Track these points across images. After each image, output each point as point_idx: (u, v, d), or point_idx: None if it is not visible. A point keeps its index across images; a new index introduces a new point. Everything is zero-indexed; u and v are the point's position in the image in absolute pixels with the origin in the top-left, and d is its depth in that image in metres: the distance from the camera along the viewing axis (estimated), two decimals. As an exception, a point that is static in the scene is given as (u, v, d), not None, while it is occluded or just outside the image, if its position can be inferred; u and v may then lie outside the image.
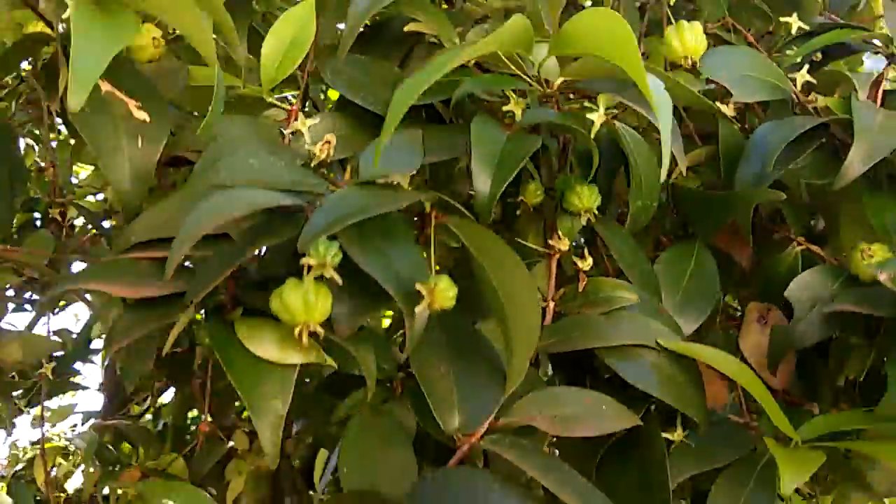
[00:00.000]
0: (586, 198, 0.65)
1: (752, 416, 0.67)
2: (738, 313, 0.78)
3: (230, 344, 0.51)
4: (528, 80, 0.64)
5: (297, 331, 0.48)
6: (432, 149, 0.62)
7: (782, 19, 0.81)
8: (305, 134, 0.64)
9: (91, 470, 1.20)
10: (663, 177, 0.51)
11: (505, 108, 0.63)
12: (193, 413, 1.52)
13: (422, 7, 0.70)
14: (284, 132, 0.66)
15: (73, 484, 1.32)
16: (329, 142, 0.64)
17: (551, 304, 0.64)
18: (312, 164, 0.64)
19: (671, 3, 0.81)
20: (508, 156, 0.56)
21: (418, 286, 0.48)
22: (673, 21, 0.73)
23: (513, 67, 0.62)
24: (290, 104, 0.69)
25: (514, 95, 0.63)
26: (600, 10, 0.52)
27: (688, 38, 0.71)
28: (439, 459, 0.58)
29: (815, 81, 0.74)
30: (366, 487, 0.54)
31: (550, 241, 0.66)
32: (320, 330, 0.48)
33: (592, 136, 0.61)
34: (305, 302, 0.47)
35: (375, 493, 0.53)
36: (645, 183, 0.66)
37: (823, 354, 0.69)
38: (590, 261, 0.64)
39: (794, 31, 0.80)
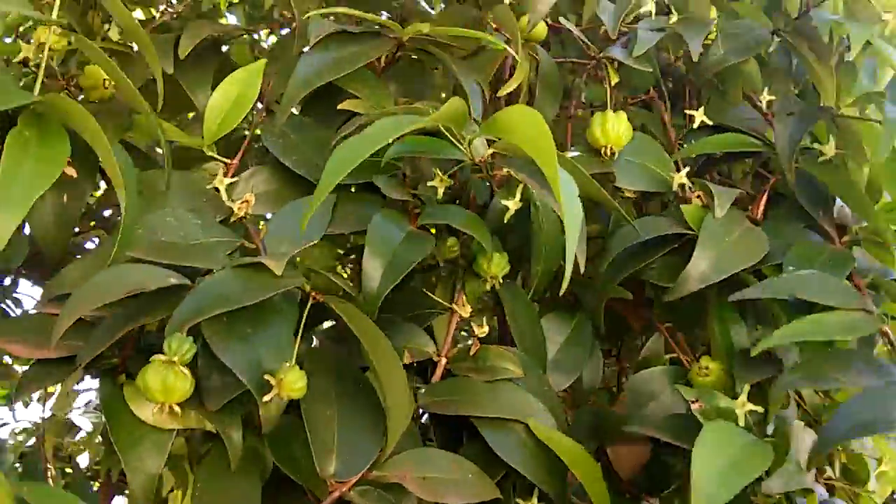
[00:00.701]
0: (495, 265, 0.68)
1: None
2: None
3: (117, 404, 0.57)
4: (462, 149, 0.66)
5: (156, 408, 0.53)
6: (344, 217, 0.66)
7: (686, 111, 0.81)
8: (223, 191, 0.68)
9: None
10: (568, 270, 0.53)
11: (430, 184, 0.66)
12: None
13: (365, 82, 0.73)
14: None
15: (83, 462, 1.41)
16: (248, 201, 0.68)
17: (443, 360, 0.68)
18: (232, 220, 0.68)
19: (614, 82, 0.80)
20: (400, 258, 0.60)
21: (267, 377, 0.52)
22: (610, 101, 0.74)
23: (451, 141, 0.65)
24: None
25: (439, 173, 0.66)
26: (525, 109, 0.55)
27: (610, 128, 0.72)
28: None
29: (691, 183, 0.74)
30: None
31: (455, 304, 0.69)
32: (178, 409, 0.53)
33: (506, 220, 0.64)
34: (164, 384, 0.52)
35: None
36: (547, 249, 0.68)
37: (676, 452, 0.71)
38: (486, 329, 0.67)
39: (696, 125, 0.80)
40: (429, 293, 0.71)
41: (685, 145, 0.80)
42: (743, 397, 0.62)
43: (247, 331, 0.55)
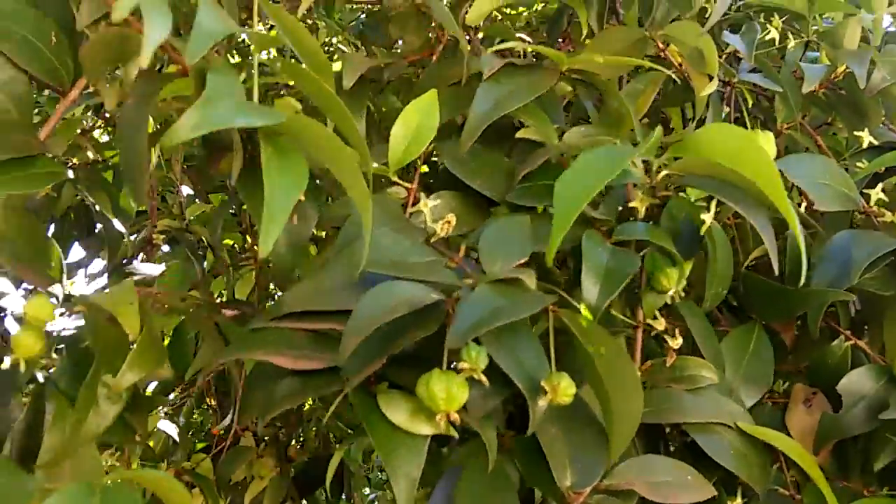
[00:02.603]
0: (674, 279, 0.73)
1: (794, 489, 0.76)
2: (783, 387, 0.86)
3: (372, 413, 0.61)
4: (640, 174, 0.72)
5: (437, 417, 0.57)
6: (538, 238, 0.71)
7: (856, 133, 0.89)
8: (427, 214, 0.73)
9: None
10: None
11: (631, 204, 0.72)
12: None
13: (530, 112, 0.79)
14: (407, 209, 0.75)
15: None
16: (449, 222, 0.73)
17: (638, 374, 0.73)
18: (432, 241, 0.73)
19: (750, 105, 0.88)
20: (612, 272, 0.65)
21: (543, 383, 0.57)
22: (749, 123, 0.80)
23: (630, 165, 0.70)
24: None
25: (639, 194, 0.71)
26: (730, 127, 0.61)
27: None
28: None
29: (886, 199, 0.81)
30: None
31: (644, 319, 0.74)
32: (457, 417, 0.57)
33: (702, 232, 0.70)
34: (448, 393, 0.56)
35: None
36: (721, 273, 0.74)
37: (854, 437, 0.78)
38: (680, 340, 0.72)
39: (864, 145, 0.87)
40: (612, 311, 0.76)
41: (852, 165, 0.87)
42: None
43: (511, 342, 0.59)
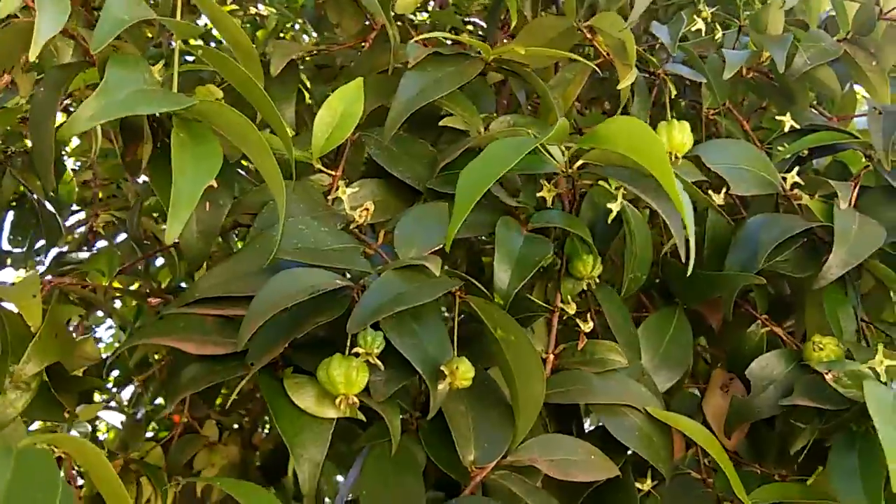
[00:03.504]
0: (591, 266, 0.74)
1: (707, 473, 0.78)
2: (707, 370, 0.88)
3: (278, 397, 0.62)
4: (556, 163, 0.73)
5: (337, 400, 0.58)
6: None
7: (777, 118, 0.90)
8: (345, 201, 0.74)
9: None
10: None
11: (539, 194, 0.73)
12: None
13: (457, 101, 0.80)
14: (327, 196, 0.75)
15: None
16: (367, 209, 0.73)
17: (551, 357, 0.74)
18: (351, 227, 0.73)
19: (674, 94, 0.89)
20: (524, 259, 0.66)
21: (443, 367, 0.58)
22: (670, 113, 0.82)
23: (546, 154, 0.71)
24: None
25: (547, 184, 0.73)
26: (633, 121, 0.62)
27: (675, 136, 0.80)
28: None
29: (802, 182, 0.83)
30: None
31: (559, 304, 0.75)
32: (356, 400, 0.58)
33: (610, 220, 0.71)
34: (347, 377, 0.57)
35: None
36: (640, 258, 0.75)
37: (769, 421, 0.79)
38: (591, 324, 0.74)
39: (786, 129, 0.89)
40: (529, 296, 0.77)
41: (773, 149, 0.89)
42: (879, 355, 0.70)
43: (413, 326, 0.60)
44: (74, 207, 1.34)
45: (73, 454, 0.52)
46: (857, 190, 0.81)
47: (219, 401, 1.86)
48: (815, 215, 0.80)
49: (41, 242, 1.17)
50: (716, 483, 0.74)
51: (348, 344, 0.59)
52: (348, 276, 0.63)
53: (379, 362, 0.57)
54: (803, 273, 0.79)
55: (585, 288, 0.76)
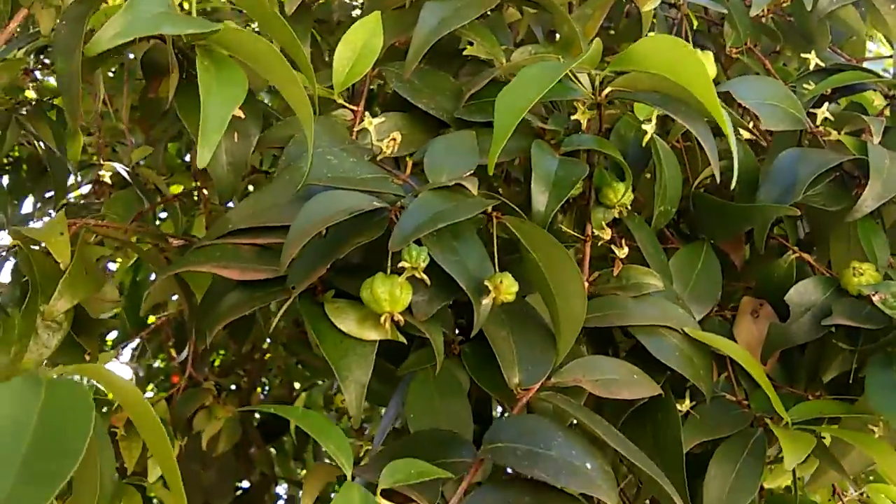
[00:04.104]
0: (621, 193, 0.74)
1: (742, 395, 0.78)
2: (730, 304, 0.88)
3: (321, 321, 0.61)
4: (584, 89, 0.72)
5: (382, 318, 0.58)
6: (485, 151, 0.71)
7: (803, 55, 0.90)
8: (372, 132, 0.73)
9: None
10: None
11: (574, 117, 0.72)
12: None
13: (477, 31, 0.79)
14: (352, 130, 0.74)
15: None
16: (395, 139, 0.73)
17: (586, 285, 0.73)
18: (378, 159, 0.73)
19: (696, 27, 0.88)
20: (561, 180, 0.66)
21: (486, 282, 0.58)
22: (689, 40, 0.81)
23: (573, 81, 0.70)
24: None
25: (582, 107, 0.72)
26: (669, 38, 0.61)
27: None
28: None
29: (832, 118, 0.83)
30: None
31: (595, 231, 0.75)
32: (401, 318, 0.58)
33: (644, 143, 0.70)
34: (392, 295, 0.57)
35: (443, 431, 0.63)
36: (668, 191, 0.75)
37: (801, 347, 0.80)
38: (626, 250, 0.73)
39: (811, 67, 0.89)
40: (561, 226, 0.76)
41: (799, 88, 0.88)
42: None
43: (453, 244, 0.60)
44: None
45: (103, 384, 0.52)
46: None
47: (217, 363, 1.86)
48: (846, 150, 0.79)
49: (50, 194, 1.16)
50: (751, 404, 0.74)
51: (388, 263, 0.58)
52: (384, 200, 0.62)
53: (425, 277, 0.57)
54: (835, 206, 0.79)
55: (617, 216, 0.76)
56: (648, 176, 0.90)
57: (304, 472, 2.31)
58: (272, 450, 1.97)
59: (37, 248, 0.67)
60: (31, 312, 0.62)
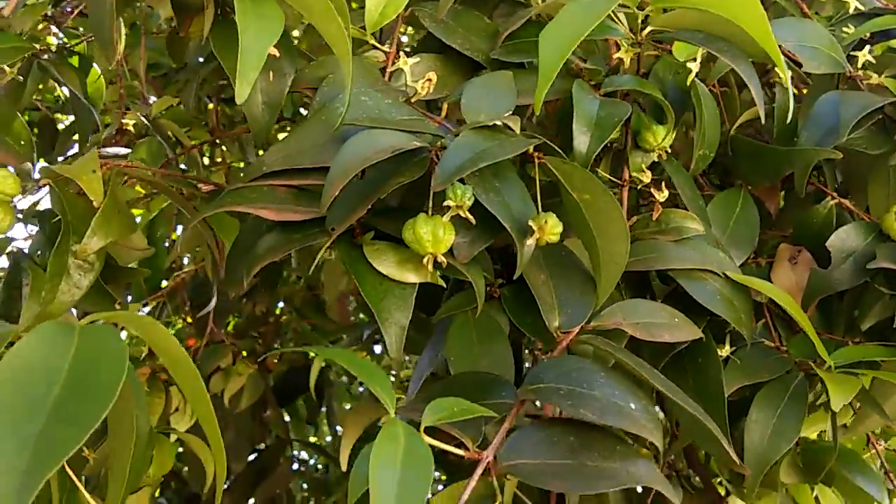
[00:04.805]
0: (662, 136, 0.72)
1: (780, 342, 0.77)
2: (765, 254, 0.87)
3: (360, 263, 0.60)
4: (624, 27, 0.70)
5: (424, 259, 0.57)
6: (523, 91, 0.69)
7: None
8: (407, 73, 0.71)
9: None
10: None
11: (616, 55, 0.70)
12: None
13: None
14: (385, 71, 0.73)
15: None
16: (430, 80, 0.71)
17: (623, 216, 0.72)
18: (413, 100, 0.71)
19: None
20: (603, 120, 0.64)
21: (530, 222, 0.56)
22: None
23: (613, 20, 0.68)
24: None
25: (624, 45, 0.70)
26: None
27: None
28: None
29: (874, 60, 0.81)
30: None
31: (633, 174, 0.73)
32: (443, 260, 0.57)
33: (688, 83, 0.68)
34: (434, 235, 0.56)
35: (483, 372, 0.63)
36: (707, 134, 0.73)
37: (840, 294, 0.79)
38: (665, 193, 0.71)
39: (850, 10, 0.86)
40: (597, 171, 0.75)
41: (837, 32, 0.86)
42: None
43: (496, 184, 0.58)
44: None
45: (137, 330, 0.51)
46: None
47: (230, 327, 1.87)
48: (888, 93, 0.78)
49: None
50: (790, 349, 0.74)
51: (430, 203, 0.57)
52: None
53: (470, 216, 0.55)
54: (876, 150, 0.78)
55: (656, 159, 0.74)
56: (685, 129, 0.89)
57: (315, 438, 2.34)
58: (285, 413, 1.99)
59: (69, 189, 0.67)
60: (63, 252, 0.62)
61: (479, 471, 0.49)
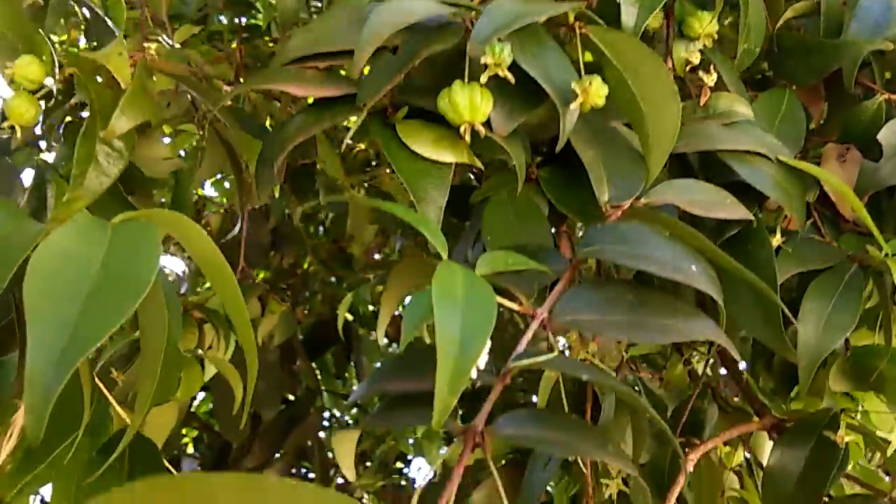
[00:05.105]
0: (707, 22, 0.69)
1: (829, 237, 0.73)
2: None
3: (393, 142, 0.58)
4: None
5: (462, 129, 0.54)
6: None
7: None
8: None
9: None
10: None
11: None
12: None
13: None
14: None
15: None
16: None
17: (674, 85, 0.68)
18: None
19: None
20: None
21: (573, 85, 0.53)
22: None
23: None
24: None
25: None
26: None
27: None
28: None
29: None
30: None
31: (684, 55, 0.69)
32: (482, 129, 0.54)
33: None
34: (472, 102, 0.53)
35: (527, 244, 0.59)
36: (753, 29, 0.69)
37: (889, 191, 0.74)
38: (714, 76, 0.68)
39: None
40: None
41: None
42: None
43: (534, 50, 0.55)
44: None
45: (172, 231, 0.49)
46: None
47: (260, 277, 1.85)
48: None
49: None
50: (840, 244, 0.70)
51: (466, 69, 0.54)
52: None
53: (509, 74, 0.52)
54: None
55: (701, 48, 0.70)
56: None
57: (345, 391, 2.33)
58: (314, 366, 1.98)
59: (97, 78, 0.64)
60: (90, 138, 0.60)
61: (535, 325, 0.47)
